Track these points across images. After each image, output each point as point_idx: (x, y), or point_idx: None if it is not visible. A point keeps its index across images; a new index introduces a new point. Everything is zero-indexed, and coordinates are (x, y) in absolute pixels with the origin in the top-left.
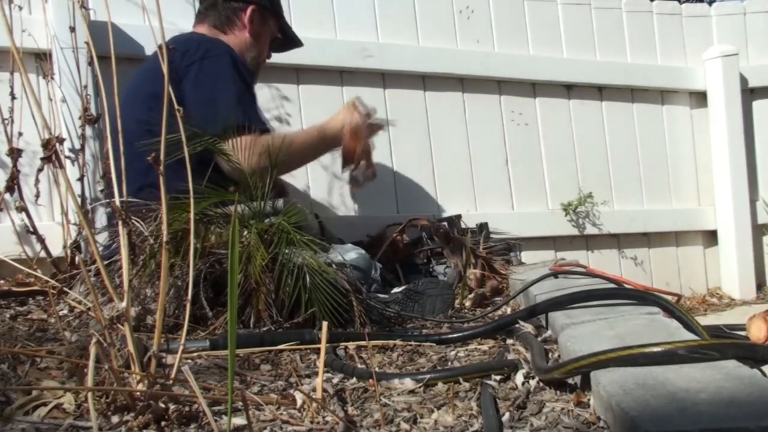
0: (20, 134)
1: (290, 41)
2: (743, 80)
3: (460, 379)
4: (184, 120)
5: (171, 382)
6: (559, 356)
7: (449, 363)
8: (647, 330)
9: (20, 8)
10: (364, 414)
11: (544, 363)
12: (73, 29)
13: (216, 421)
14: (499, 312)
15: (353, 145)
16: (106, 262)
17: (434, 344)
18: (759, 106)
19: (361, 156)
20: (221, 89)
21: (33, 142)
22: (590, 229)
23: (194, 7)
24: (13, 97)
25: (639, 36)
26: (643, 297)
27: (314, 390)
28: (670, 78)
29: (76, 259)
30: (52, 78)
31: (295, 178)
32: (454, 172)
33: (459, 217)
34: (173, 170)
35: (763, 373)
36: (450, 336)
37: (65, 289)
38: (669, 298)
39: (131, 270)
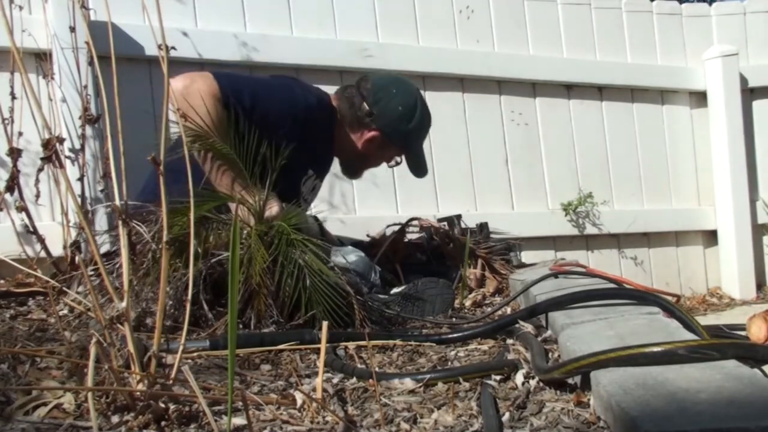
0: (20, 134)
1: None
2: (743, 80)
3: (460, 379)
4: None
5: (171, 382)
6: (559, 356)
7: (449, 363)
8: (647, 330)
9: (21, 8)
10: (364, 414)
11: (544, 363)
12: (73, 29)
13: (216, 421)
14: (499, 312)
15: None
16: (106, 262)
17: (434, 344)
18: (759, 106)
19: None
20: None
21: (33, 141)
22: (590, 229)
23: (194, 6)
24: (14, 97)
25: (639, 36)
26: (643, 297)
27: (314, 390)
28: (670, 78)
29: (76, 259)
30: (52, 78)
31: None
32: (454, 172)
33: (459, 217)
34: (175, 173)
35: (764, 373)
36: (450, 336)
37: (65, 289)
38: (668, 298)
39: (131, 271)
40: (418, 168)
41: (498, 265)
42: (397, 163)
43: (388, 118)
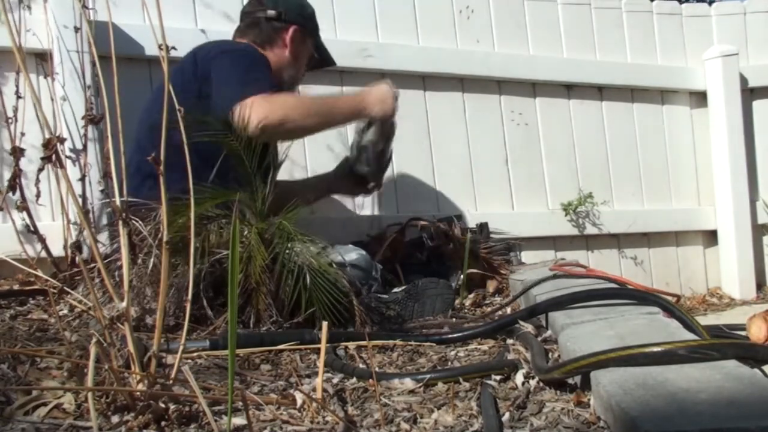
0: (23, 134)
1: (323, 60)
2: (743, 80)
3: (460, 379)
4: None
5: (171, 382)
6: (559, 356)
7: (449, 363)
8: (647, 330)
9: (28, 8)
10: (364, 414)
11: (544, 363)
12: (75, 29)
13: (216, 421)
14: (499, 312)
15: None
16: (106, 261)
17: (434, 344)
18: (759, 106)
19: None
20: (234, 67)
21: (35, 141)
22: (590, 229)
23: (194, 6)
24: (19, 97)
25: (639, 36)
26: (643, 297)
27: (314, 390)
28: (670, 78)
29: (77, 258)
30: (54, 78)
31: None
32: (454, 172)
33: (459, 216)
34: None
35: (764, 373)
36: (450, 336)
37: (65, 288)
38: (668, 298)
39: (131, 270)
40: (328, 55)
41: (498, 265)
42: (315, 60)
43: (294, 8)
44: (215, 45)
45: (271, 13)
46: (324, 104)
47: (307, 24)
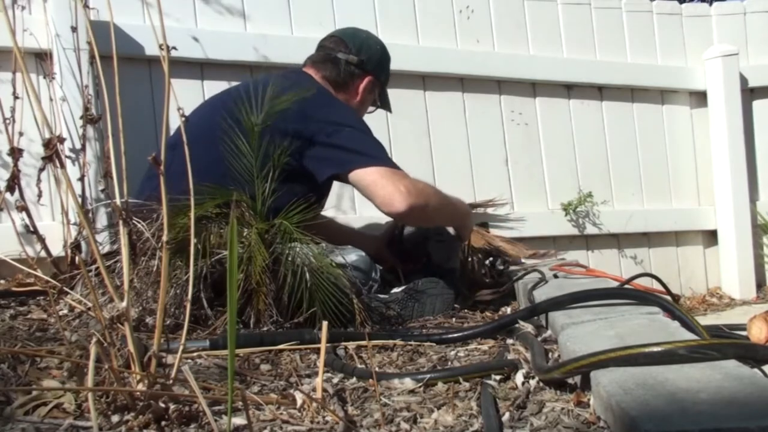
0: (21, 134)
1: (380, 106)
2: (743, 80)
3: (460, 379)
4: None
5: (171, 381)
6: (559, 356)
7: (449, 363)
8: (647, 330)
9: (23, 8)
10: (364, 414)
11: (544, 363)
12: (74, 29)
13: (216, 420)
14: (499, 312)
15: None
16: (106, 262)
17: (434, 344)
18: (759, 106)
19: None
20: (362, 132)
21: (34, 141)
22: (590, 229)
23: (194, 6)
24: (16, 97)
25: (639, 36)
26: (643, 297)
27: (314, 390)
28: (670, 78)
29: (76, 258)
30: (53, 78)
31: None
32: (454, 172)
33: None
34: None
35: (764, 373)
36: (450, 336)
37: (65, 288)
38: (668, 298)
39: (132, 270)
40: (388, 103)
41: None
42: (375, 107)
43: (375, 57)
44: (322, 99)
45: (353, 58)
46: (448, 203)
47: (382, 75)
